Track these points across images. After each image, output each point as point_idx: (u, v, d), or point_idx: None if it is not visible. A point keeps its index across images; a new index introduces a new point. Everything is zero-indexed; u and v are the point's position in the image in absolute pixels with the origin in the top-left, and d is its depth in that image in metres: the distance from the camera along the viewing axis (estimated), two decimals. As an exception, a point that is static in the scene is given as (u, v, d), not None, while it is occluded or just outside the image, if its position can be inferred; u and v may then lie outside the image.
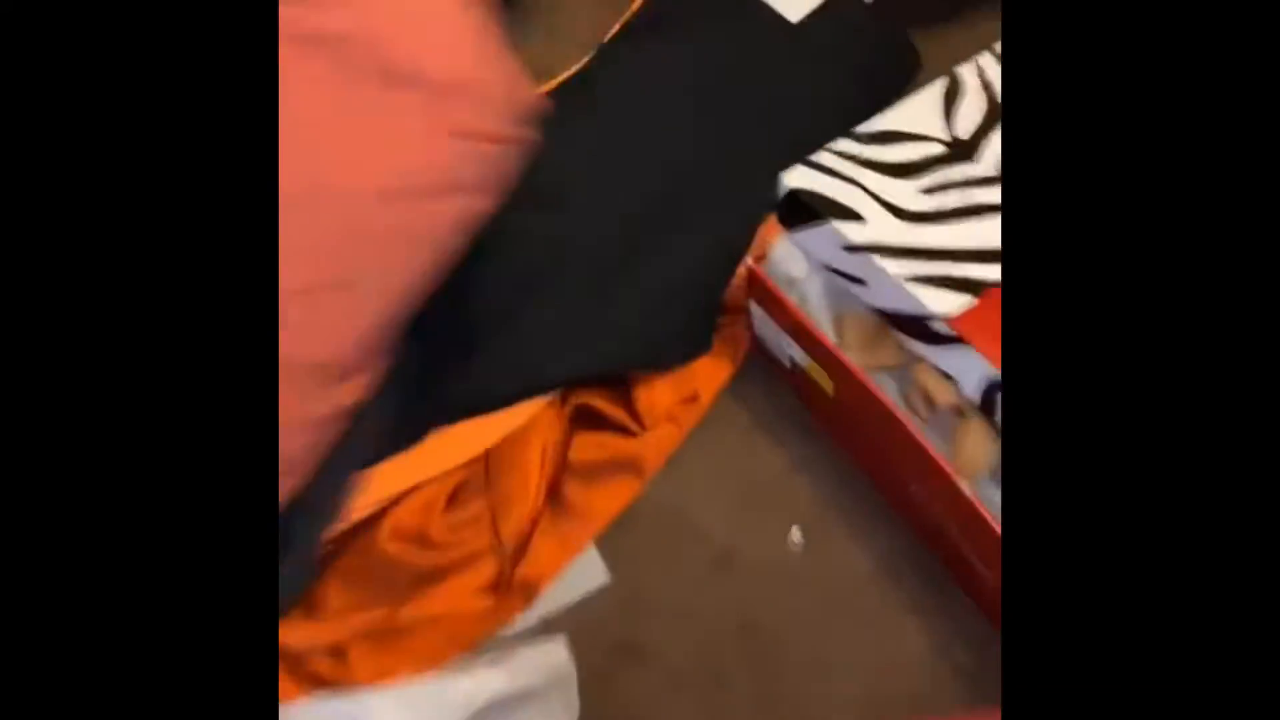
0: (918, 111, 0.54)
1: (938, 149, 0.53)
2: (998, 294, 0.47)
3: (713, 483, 0.62)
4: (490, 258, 0.59)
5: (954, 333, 0.47)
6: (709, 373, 0.65)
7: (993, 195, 0.51)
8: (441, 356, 0.59)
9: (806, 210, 0.52)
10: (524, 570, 0.59)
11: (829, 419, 0.59)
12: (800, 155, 0.56)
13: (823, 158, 0.53)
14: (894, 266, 0.49)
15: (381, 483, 0.57)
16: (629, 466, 0.62)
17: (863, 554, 0.58)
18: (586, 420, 0.63)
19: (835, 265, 0.52)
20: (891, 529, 0.58)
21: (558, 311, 0.61)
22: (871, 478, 0.58)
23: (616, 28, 0.72)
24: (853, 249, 0.50)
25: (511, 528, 0.59)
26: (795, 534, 0.59)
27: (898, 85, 0.68)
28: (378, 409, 0.53)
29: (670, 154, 0.65)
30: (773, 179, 0.55)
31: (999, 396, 0.46)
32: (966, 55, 0.56)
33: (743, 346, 0.65)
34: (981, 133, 0.53)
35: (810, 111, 0.66)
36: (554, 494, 0.61)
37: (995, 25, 0.60)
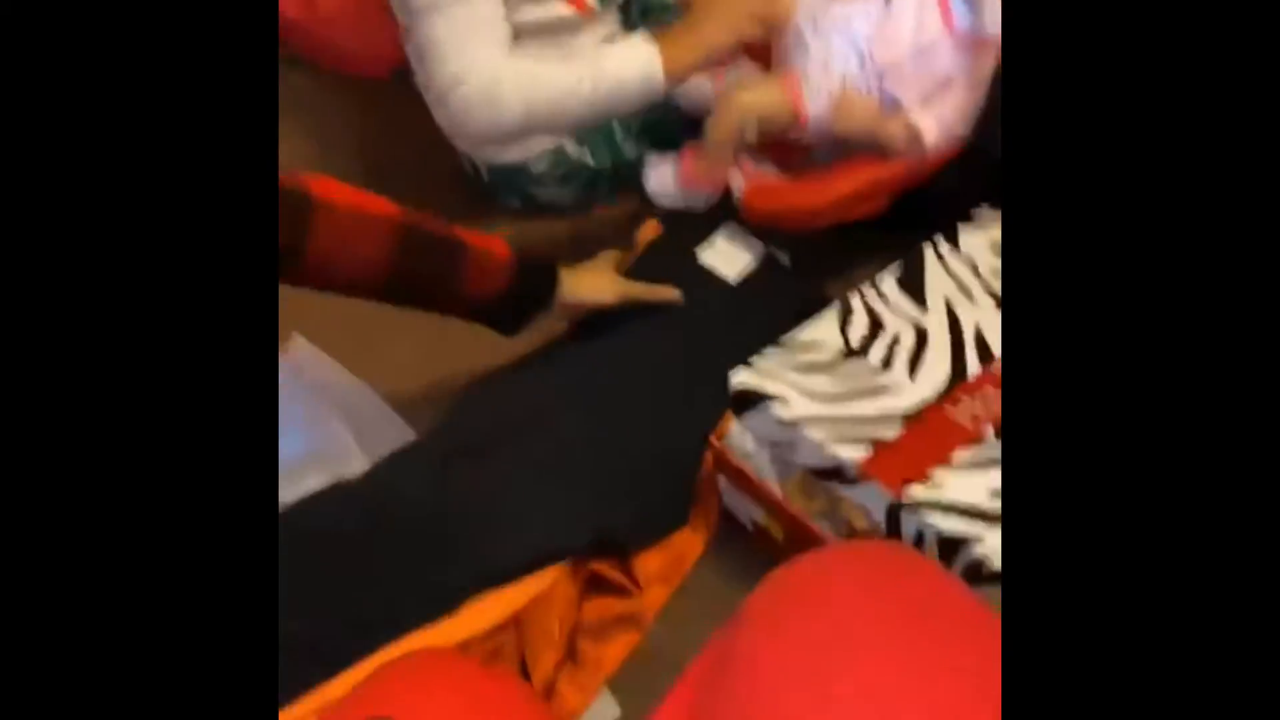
0: (822, 328, 0.76)
1: (837, 353, 0.73)
2: (890, 444, 0.66)
3: (699, 627, 0.76)
4: (508, 457, 0.77)
5: (862, 474, 0.65)
6: (689, 541, 0.81)
7: (880, 380, 0.71)
8: (473, 536, 0.75)
9: (750, 399, 0.71)
10: (551, 712, 0.71)
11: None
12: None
13: (756, 361, 0.73)
14: (814, 433, 0.67)
15: (429, 643, 0.71)
16: (630, 621, 0.77)
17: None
18: (594, 585, 0.78)
19: (773, 438, 0.71)
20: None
21: (568, 500, 0.78)
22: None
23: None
24: (783, 423, 0.69)
25: (540, 677, 0.73)
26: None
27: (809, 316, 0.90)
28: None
29: (648, 374, 0.85)
30: (723, 389, 0.74)
31: (900, 514, 0.63)
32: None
33: (714, 519, 0.82)
34: (868, 339, 0.74)
35: (748, 342, 0.86)
36: (571, 648, 0.75)
37: (873, 270, 0.83)
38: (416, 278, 0.77)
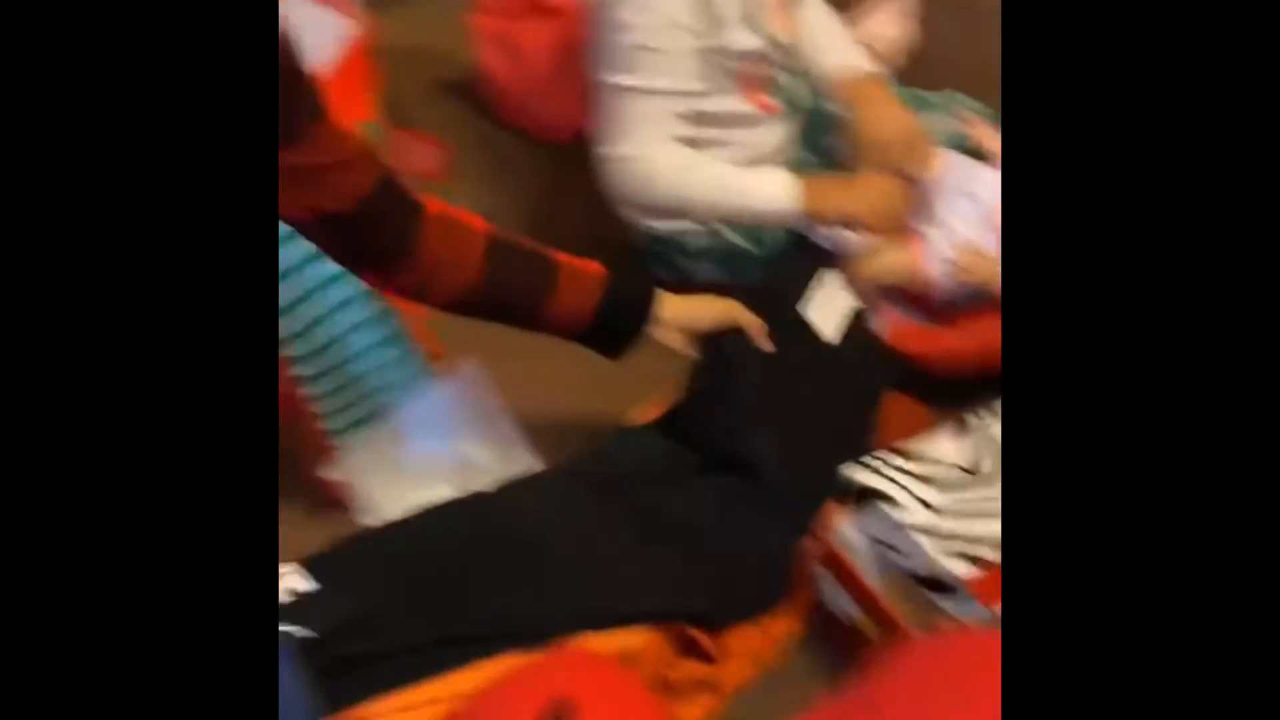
0: (940, 444, 0.80)
1: (953, 469, 0.77)
2: (994, 566, 0.69)
3: (779, 707, 0.78)
4: (633, 508, 0.82)
5: (966, 590, 0.68)
6: (782, 625, 0.84)
7: (991, 505, 0.74)
8: (581, 575, 0.80)
9: (865, 497, 0.75)
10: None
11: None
12: (841, 451, 0.80)
13: (874, 463, 0.78)
14: (924, 541, 0.71)
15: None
16: (710, 687, 0.80)
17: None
18: (684, 647, 0.82)
19: (882, 538, 0.74)
20: None
21: (677, 564, 0.82)
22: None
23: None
24: (895, 527, 0.73)
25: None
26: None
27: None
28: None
29: (764, 457, 0.89)
30: (828, 474, 0.78)
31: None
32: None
33: (809, 607, 0.85)
34: (984, 462, 0.78)
35: (847, 418, 0.90)
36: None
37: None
38: (511, 287, 0.80)
